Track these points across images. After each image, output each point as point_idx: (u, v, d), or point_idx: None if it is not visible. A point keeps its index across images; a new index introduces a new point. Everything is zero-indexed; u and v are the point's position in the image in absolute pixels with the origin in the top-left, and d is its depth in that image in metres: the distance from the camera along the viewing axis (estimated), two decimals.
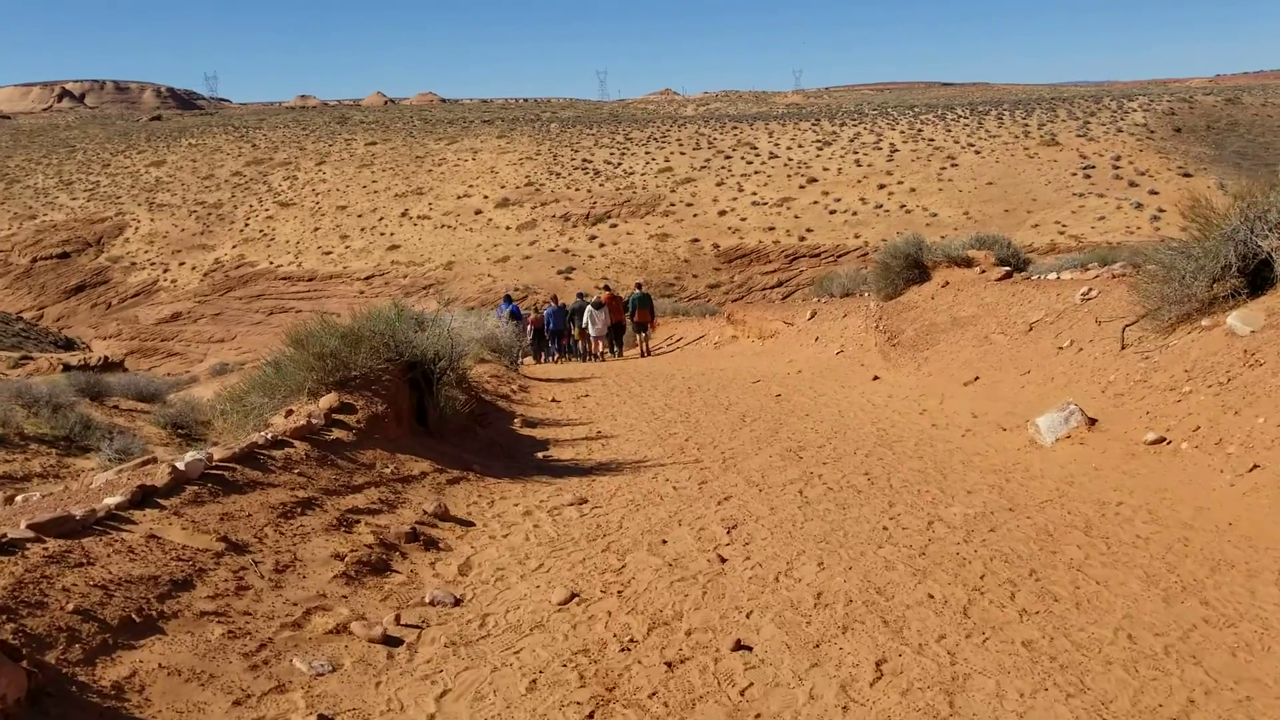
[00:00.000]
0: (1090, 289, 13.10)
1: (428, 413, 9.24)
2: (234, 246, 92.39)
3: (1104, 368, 10.42)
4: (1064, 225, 72.36)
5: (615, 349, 27.54)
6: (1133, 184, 77.02)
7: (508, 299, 29.02)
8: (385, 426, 8.42)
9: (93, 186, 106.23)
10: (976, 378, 12.51)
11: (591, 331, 26.97)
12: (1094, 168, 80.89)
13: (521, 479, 8.82)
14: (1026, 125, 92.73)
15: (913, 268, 17.12)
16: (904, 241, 17.44)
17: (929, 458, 9.27)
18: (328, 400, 8.29)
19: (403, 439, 8.60)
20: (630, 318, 27.53)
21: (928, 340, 15.12)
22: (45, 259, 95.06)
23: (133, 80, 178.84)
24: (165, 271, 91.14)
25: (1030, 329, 13.29)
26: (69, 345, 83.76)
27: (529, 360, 26.51)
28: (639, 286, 29.74)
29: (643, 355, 27.11)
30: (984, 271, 16.62)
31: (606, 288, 32.52)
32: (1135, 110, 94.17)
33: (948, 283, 16.59)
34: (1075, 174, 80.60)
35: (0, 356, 58.22)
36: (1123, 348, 10.59)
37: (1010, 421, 10.10)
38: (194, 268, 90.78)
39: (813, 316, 22.14)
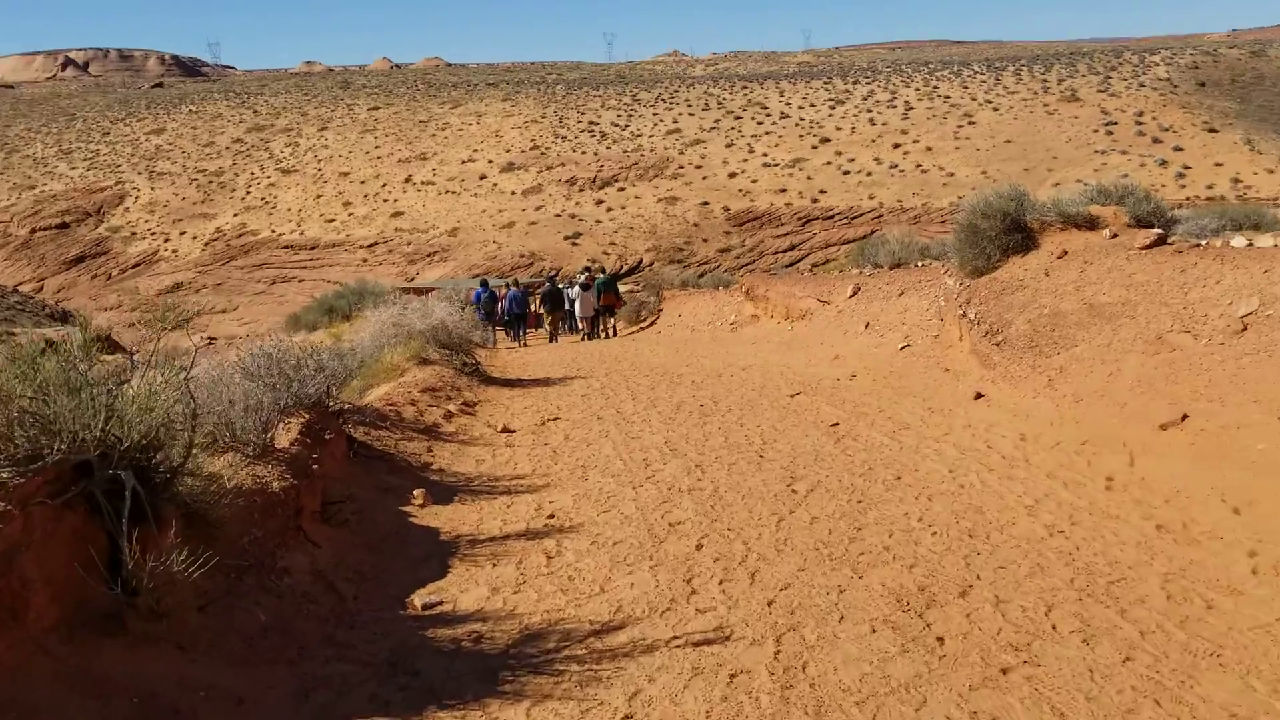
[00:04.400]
0: None
1: (121, 569, 3.99)
2: (235, 215, 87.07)
3: None
4: (1086, 184, 66.54)
5: (595, 331, 25.17)
6: (1156, 140, 71.05)
7: (484, 283, 24.71)
8: None
9: (92, 155, 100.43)
10: (1184, 416, 7.18)
11: (578, 312, 24.52)
12: (1116, 124, 74.80)
13: None
14: (1045, 81, 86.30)
15: (1013, 230, 11.76)
16: (999, 195, 12.05)
17: (1236, 655, 4.04)
18: None
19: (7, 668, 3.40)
20: (596, 301, 24.84)
21: (1055, 338, 9.79)
22: (44, 229, 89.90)
23: (137, 48, 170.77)
24: (166, 241, 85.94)
25: (1244, 329, 7.97)
26: (64, 318, 79.04)
27: (509, 342, 23.17)
28: (602, 270, 29.17)
29: (607, 337, 24.68)
30: (1116, 235, 11.25)
31: (587, 269, 29.16)
32: (1158, 65, 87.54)
33: (1066, 251, 11.23)
34: (1097, 130, 74.52)
35: None
36: None
37: None
38: (195, 237, 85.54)
39: (856, 293, 16.79)
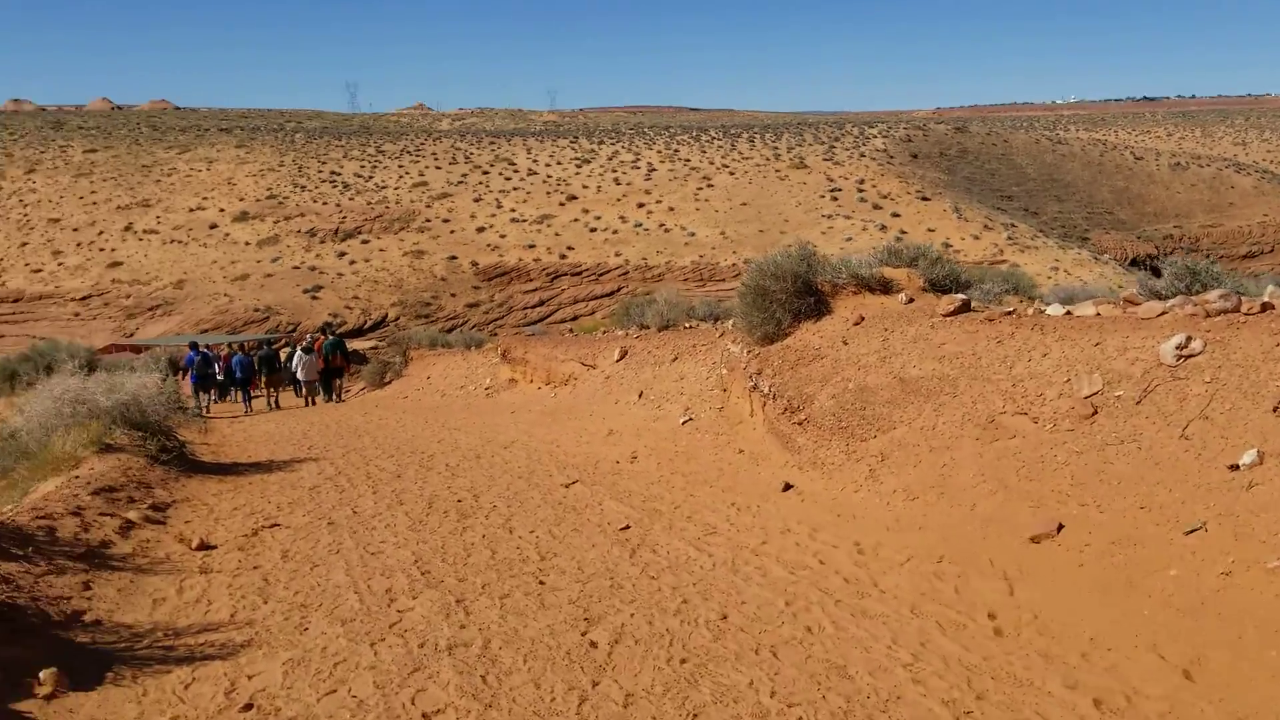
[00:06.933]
0: (1190, 338, 6.79)
1: None
2: None
3: None
4: (814, 246, 69.32)
5: (329, 395, 23.25)
6: (876, 206, 75.52)
7: (194, 346, 21.56)
8: None
9: None
10: (1060, 526, 5.84)
11: (300, 377, 22.43)
12: (840, 190, 79.01)
13: None
14: (777, 148, 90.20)
15: (804, 294, 10.48)
16: (787, 255, 10.74)
17: None
18: None
19: None
20: (326, 364, 23.13)
21: (867, 418, 8.42)
22: None
23: None
24: None
25: (1095, 412, 6.82)
26: None
27: (237, 411, 20.46)
28: (334, 331, 28.52)
29: (336, 401, 23.06)
30: (912, 300, 10.17)
31: (324, 329, 27.38)
32: (876, 137, 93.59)
33: (863, 318, 10.03)
34: (823, 196, 78.41)
35: None
36: None
37: None
38: None
39: (624, 356, 15.19)
